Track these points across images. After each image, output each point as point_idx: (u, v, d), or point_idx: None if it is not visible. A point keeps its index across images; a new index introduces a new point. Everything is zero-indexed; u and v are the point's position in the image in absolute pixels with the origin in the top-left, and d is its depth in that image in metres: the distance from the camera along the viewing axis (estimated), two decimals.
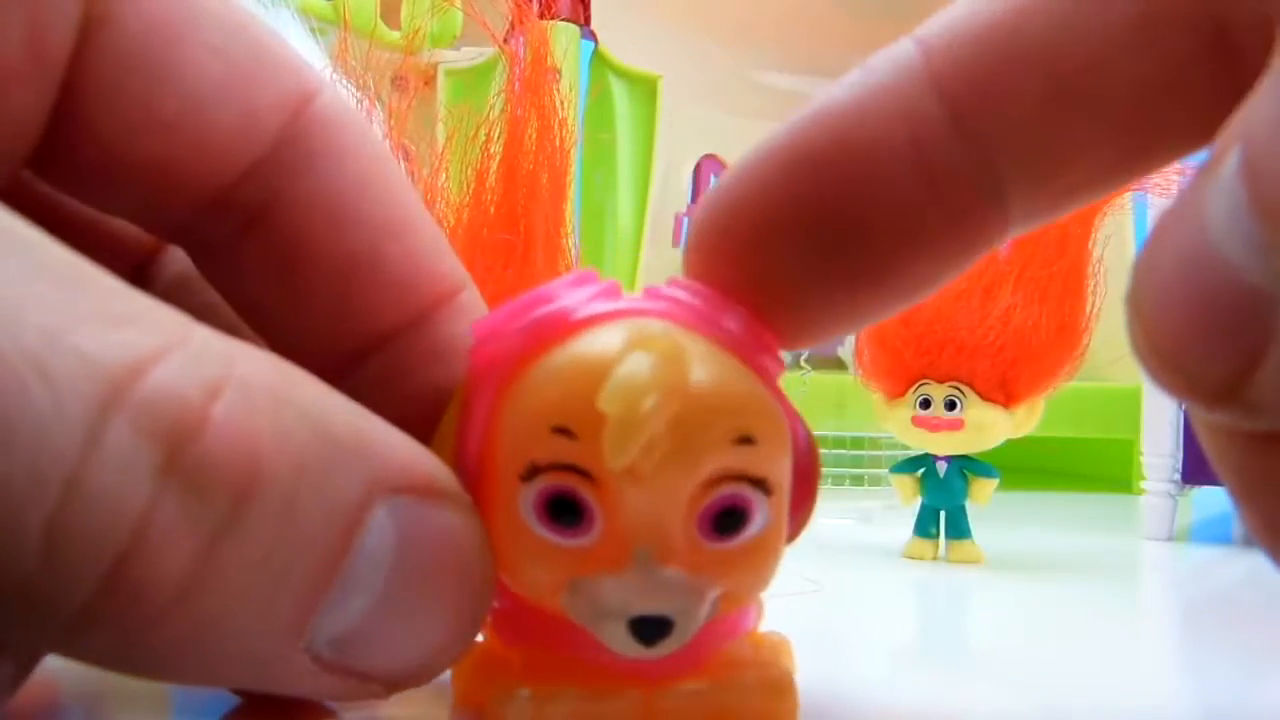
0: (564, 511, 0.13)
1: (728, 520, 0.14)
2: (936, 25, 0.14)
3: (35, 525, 0.10)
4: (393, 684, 0.14)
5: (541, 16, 0.38)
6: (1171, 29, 0.13)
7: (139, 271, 0.18)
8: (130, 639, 0.11)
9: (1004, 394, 0.33)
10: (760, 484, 0.14)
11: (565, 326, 0.14)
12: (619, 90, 0.60)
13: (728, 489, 0.14)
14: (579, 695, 0.14)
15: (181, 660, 0.12)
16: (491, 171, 0.29)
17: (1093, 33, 0.13)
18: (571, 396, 0.13)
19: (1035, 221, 0.15)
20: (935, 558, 0.35)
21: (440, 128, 0.33)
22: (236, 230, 0.15)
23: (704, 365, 0.14)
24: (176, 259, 0.18)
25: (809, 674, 0.16)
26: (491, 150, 0.29)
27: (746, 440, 0.14)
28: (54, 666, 0.15)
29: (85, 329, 0.10)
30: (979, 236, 0.14)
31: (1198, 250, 0.10)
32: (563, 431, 0.13)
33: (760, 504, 0.14)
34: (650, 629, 0.13)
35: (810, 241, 0.14)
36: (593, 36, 0.59)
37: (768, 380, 0.15)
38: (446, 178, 0.30)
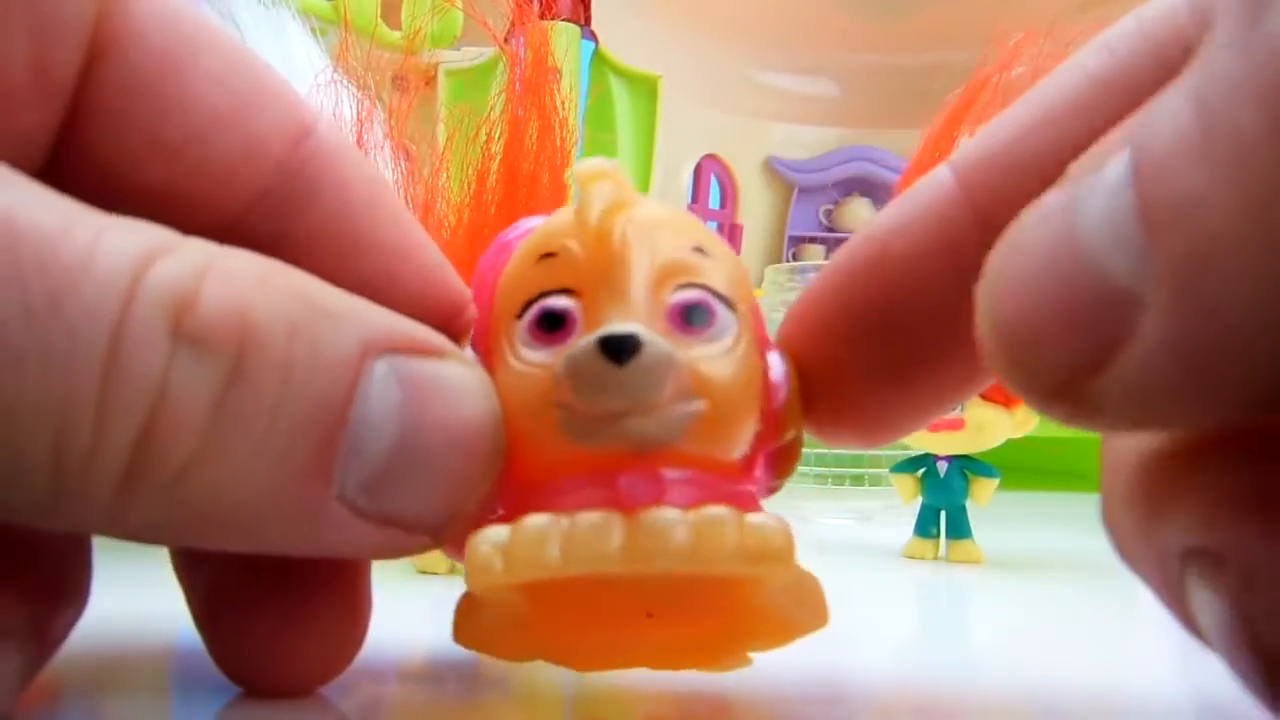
0: (552, 324, 0.15)
1: (694, 313, 0.15)
2: (965, 149, 0.16)
3: (90, 394, 0.12)
4: (433, 529, 0.15)
5: (542, 16, 0.38)
6: None
7: None
8: (169, 493, 0.13)
9: (1004, 394, 0.33)
10: (723, 298, 0.15)
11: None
12: (619, 90, 0.60)
13: (693, 292, 0.15)
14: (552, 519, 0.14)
15: (222, 515, 0.13)
16: (492, 171, 0.29)
17: (1090, 139, 0.14)
18: (548, 230, 0.15)
19: None
20: (935, 558, 0.35)
21: (441, 128, 0.33)
22: None
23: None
24: None
25: (809, 674, 0.16)
26: (492, 150, 0.29)
27: (701, 250, 0.15)
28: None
29: (108, 238, 0.12)
30: None
31: (1064, 247, 0.11)
32: (546, 256, 0.15)
33: (724, 312, 0.15)
34: (617, 344, 0.13)
35: (866, 346, 0.16)
36: (593, 36, 0.58)
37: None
38: (447, 178, 0.30)
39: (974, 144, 0.16)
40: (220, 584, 0.17)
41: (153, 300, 0.12)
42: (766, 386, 0.16)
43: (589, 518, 0.14)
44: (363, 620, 0.17)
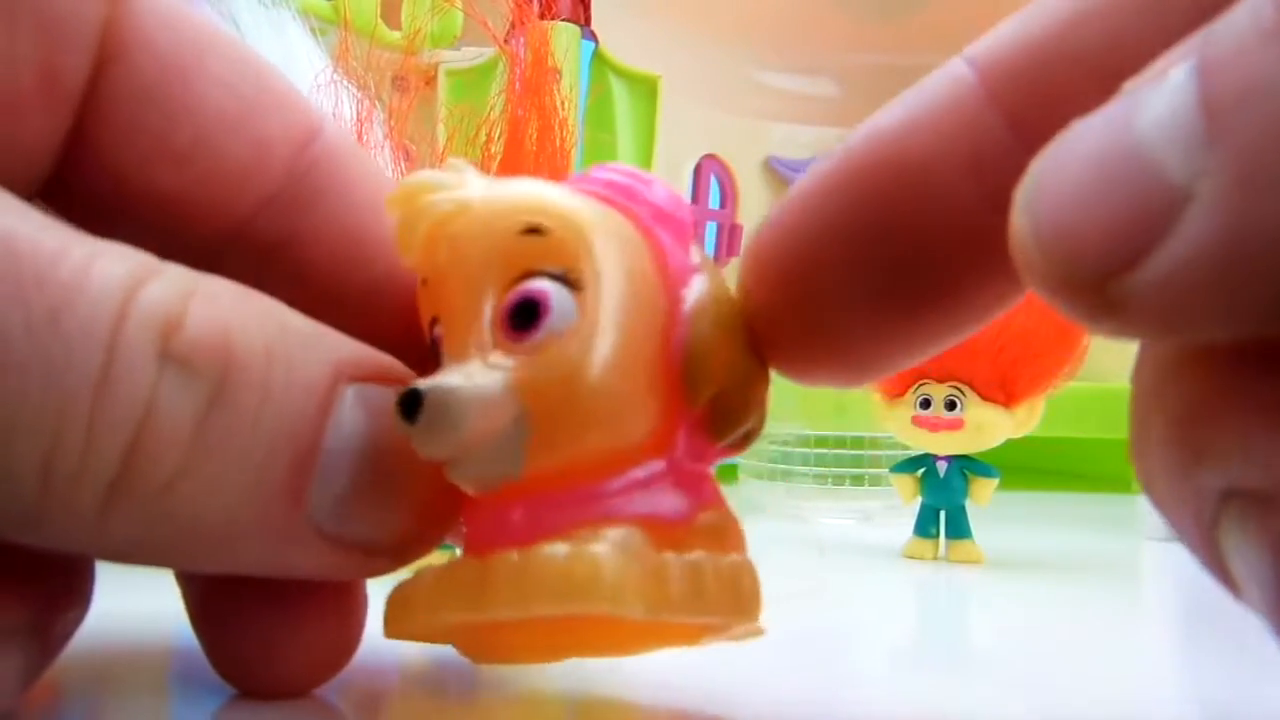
0: (436, 359, 0.14)
1: (522, 314, 0.13)
2: (987, 43, 0.14)
3: (83, 407, 0.12)
4: (393, 553, 0.15)
5: (542, 16, 0.38)
6: None
7: None
8: (151, 508, 0.13)
9: (1004, 394, 0.33)
10: (561, 278, 0.13)
11: None
12: (619, 90, 0.60)
13: (523, 285, 0.13)
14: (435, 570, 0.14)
15: (201, 533, 0.13)
16: (492, 171, 0.29)
17: (1150, 40, 0.12)
18: (419, 257, 0.14)
19: None
20: (935, 558, 0.35)
21: (441, 128, 0.33)
22: (259, 262, 0.16)
23: (497, 181, 0.14)
24: None
25: (809, 674, 0.16)
26: (492, 150, 0.29)
27: (534, 230, 0.13)
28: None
29: (101, 260, 0.13)
30: None
31: (1117, 144, 0.10)
32: (422, 283, 0.15)
33: (562, 298, 0.13)
34: (405, 403, 0.13)
35: (871, 267, 0.14)
36: (593, 36, 0.58)
37: (655, 246, 0.14)
38: None
39: (996, 40, 0.14)
40: (216, 586, 0.17)
41: (143, 320, 0.13)
42: (667, 349, 0.14)
43: (458, 565, 0.14)
44: (358, 623, 0.17)
